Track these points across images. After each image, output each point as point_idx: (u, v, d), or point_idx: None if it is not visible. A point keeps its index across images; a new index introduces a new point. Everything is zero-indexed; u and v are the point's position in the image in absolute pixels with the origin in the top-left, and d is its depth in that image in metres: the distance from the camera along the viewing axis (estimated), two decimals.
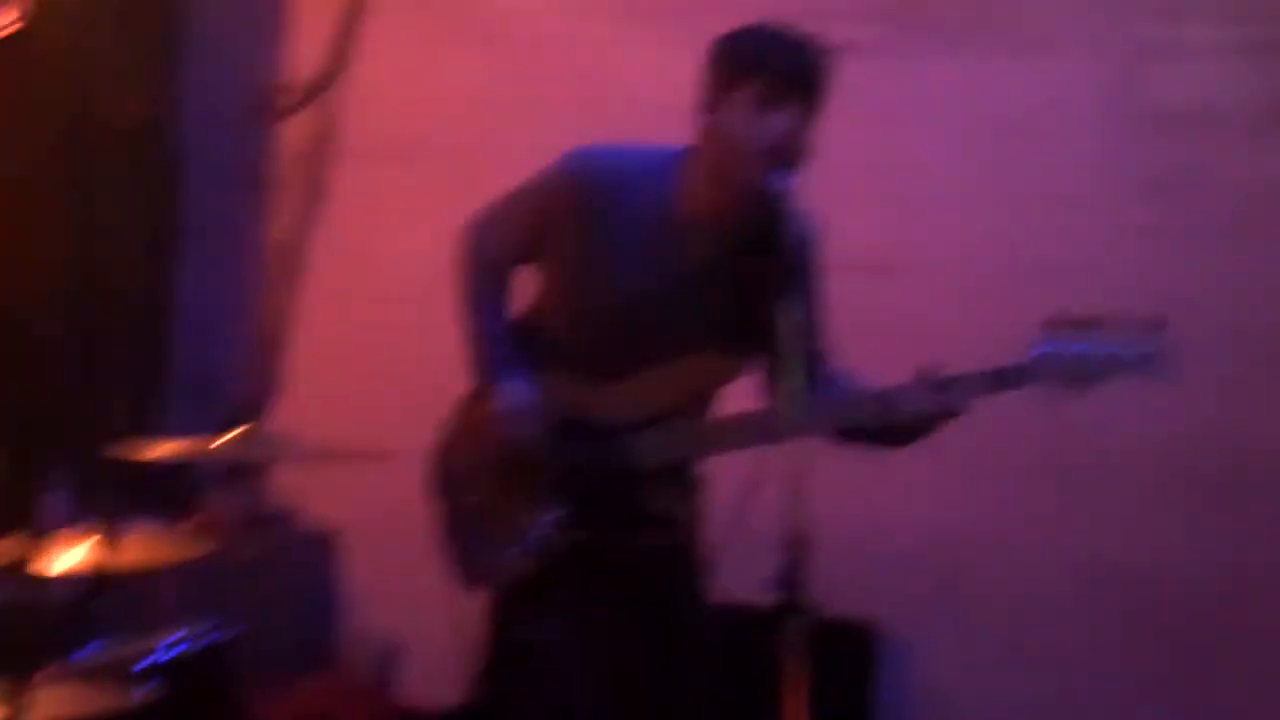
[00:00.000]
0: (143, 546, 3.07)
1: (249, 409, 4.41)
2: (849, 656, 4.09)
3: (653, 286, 2.84)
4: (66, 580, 2.97)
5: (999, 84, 4.22)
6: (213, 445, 3.18)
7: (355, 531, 4.67)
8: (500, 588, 2.96)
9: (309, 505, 4.61)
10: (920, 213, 4.24)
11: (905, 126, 4.28)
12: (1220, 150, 4.05)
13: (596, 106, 4.36)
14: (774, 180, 2.71)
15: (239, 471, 4.35)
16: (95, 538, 3.02)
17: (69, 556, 2.98)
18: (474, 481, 2.99)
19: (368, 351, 4.74)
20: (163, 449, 3.16)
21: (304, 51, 4.90)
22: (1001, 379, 2.70)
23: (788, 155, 2.72)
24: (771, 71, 2.70)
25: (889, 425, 2.75)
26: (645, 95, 4.30)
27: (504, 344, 2.99)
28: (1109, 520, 4.11)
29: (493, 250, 3.02)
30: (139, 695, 2.95)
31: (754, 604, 2.43)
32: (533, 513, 2.90)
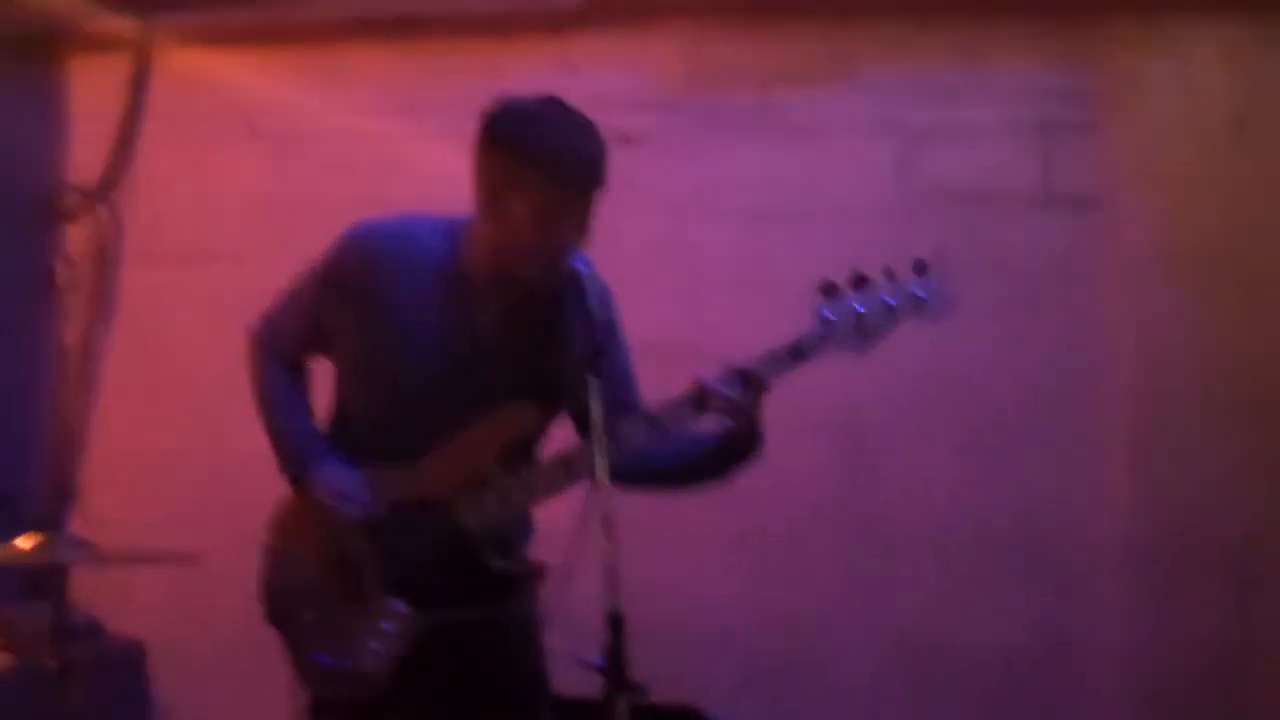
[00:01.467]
0: None
1: (46, 516, 4.27)
2: None
3: (447, 352, 2.82)
4: None
5: (782, 170, 4.33)
6: (9, 553, 3.11)
7: (163, 641, 4.54)
8: (359, 695, 2.85)
9: (114, 615, 4.47)
10: (704, 297, 4.33)
11: (689, 213, 4.37)
12: (998, 227, 4.19)
13: (383, 203, 4.34)
14: (546, 275, 2.74)
15: (40, 580, 4.20)
16: None
17: None
18: (308, 593, 2.89)
19: (164, 454, 4.69)
20: None
21: (85, 153, 4.83)
22: (796, 351, 2.76)
23: (569, 251, 2.71)
24: (554, 181, 2.67)
25: (715, 447, 2.81)
26: (431, 189, 4.35)
27: (307, 435, 2.95)
28: (916, 591, 4.18)
29: (283, 342, 2.98)
30: None
31: (580, 695, 2.44)
32: (375, 614, 2.83)
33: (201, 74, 4.76)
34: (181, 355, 4.74)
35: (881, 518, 4.21)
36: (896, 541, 4.21)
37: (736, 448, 2.84)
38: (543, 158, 2.66)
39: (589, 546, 2.50)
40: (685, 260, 4.36)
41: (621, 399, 2.88)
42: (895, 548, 4.21)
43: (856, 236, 4.17)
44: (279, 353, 2.99)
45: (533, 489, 2.84)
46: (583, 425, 2.90)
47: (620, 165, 3.95)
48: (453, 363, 2.83)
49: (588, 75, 4.37)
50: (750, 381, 2.74)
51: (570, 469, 2.80)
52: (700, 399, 2.74)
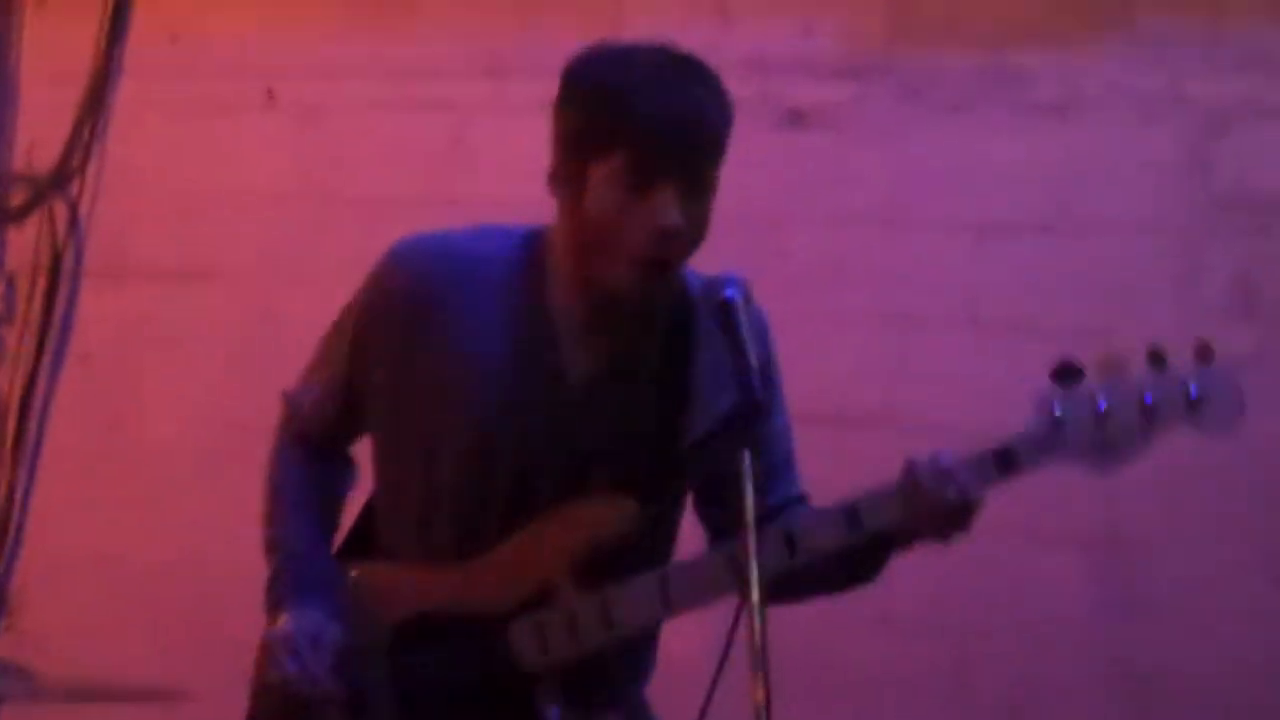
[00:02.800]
0: None
1: None
2: None
3: (518, 412, 2.81)
4: None
5: (1022, 164, 4.37)
6: None
7: None
8: None
9: None
10: (908, 340, 4.39)
11: (888, 222, 4.43)
12: None
13: (445, 203, 4.48)
14: (646, 283, 2.71)
15: None
16: None
17: None
18: None
19: (127, 556, 4.78)
20: None
21: (37, 131, 4.99)
22: (1005, 458, 2.74)
23: (666, 252, 2.70)
24: (640, 137, 2.65)
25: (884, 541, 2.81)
26: (514, 184, 4.46)
27: (306, 558, 2.98)
28: None
29: (307, 418, 3.02)
30: None
31: None
32: None
33: (199, 22, 4.91)
34: (158, 414, 4.86)
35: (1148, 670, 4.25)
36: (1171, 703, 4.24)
37: (900, 549, 2.85)
38: (628, 112, 2.66)
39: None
40: (882, 289, 4.41)
41: (772, 472, 2.88)
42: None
43: (1127, 260, 4.22)
44: (304, 435, 3.03)
45: (613, 619, 2.82)
46: (711, 515, 2.92)
47: (789, 153, 4.07)
48: (524, 427, 2.82)
49: (746, 28, 4.44)
50: (951, 491, 2.73)
51: (669, 599, 2.79)
52: (920, 496, 2.74)
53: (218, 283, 4.86)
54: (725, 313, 2.65)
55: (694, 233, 2.71)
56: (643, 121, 2.65)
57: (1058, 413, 2.73)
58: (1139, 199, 4.28)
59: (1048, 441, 2.73)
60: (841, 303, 4.37)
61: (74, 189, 4.98)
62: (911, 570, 4.20)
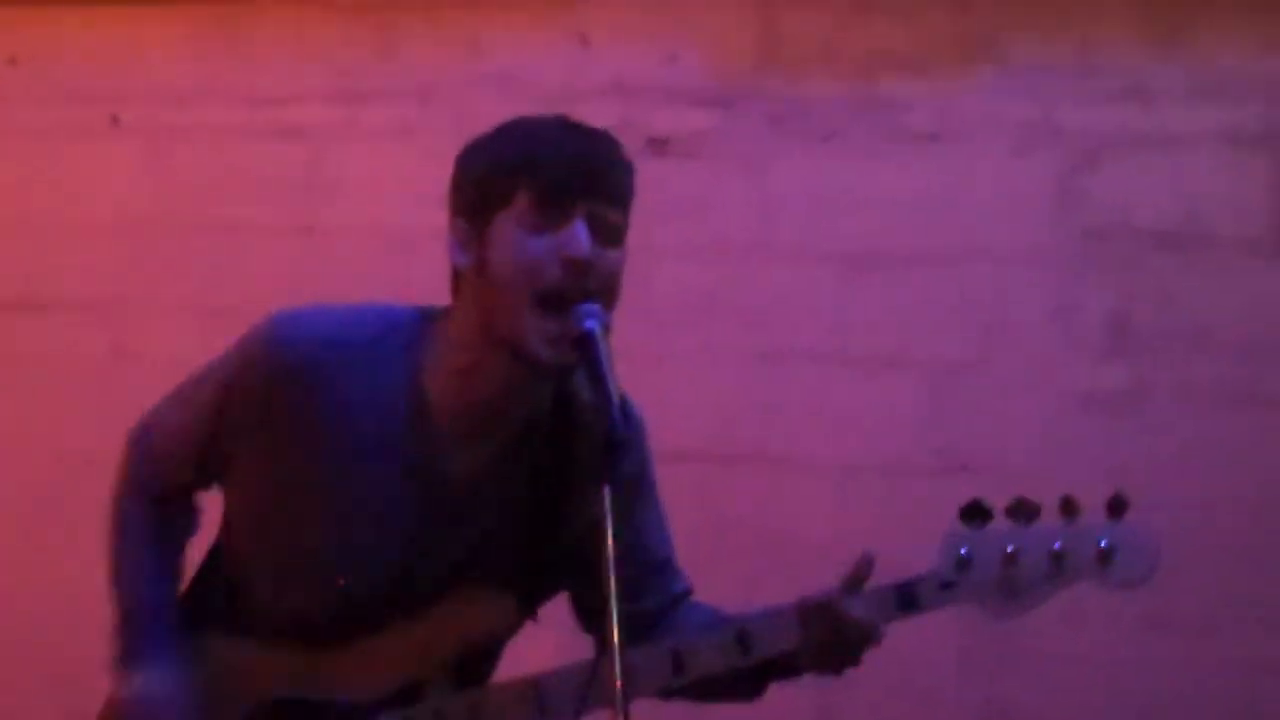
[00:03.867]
0: None
1: None
2: None
3: (396, 513, 2.77)
4: None
5: (892, 194, 4.37)
6: None
7: None
8: None
9: None
10: (775, 378, 4.38)
11: (755, 254, 4.41)
12: (1207, 281, 4.25)
13: (305, 230, 4.48)
14: (553, 326, 2.60)
15: None
16: None
17: None
18: None
19: None
20: None
21: None
22: (907, 597, 2.72)
23: (576, 285, 2.61)
24: (542, 173, 2.63)
25: (766, 667, 2.77)
26: (373, 211, 4.43)
27: (153, 612, 2.92)
28: None
29: (159, 465, 2.94)
30: None
31: None
32: None
33: (42, 42, 4.83)
34: (6, 456, 4.77)
35: None
36: None
37: (787, 676, 2.81)
38: (525, 148, 2.67)
39: None
40: (748, 324, 4.39)
41: (651, 584, 2.85)
42: None
43: (999, 292, 4.23)
44: (155, 478, 2.96)
45: None
46: (582, 597, 2.88)
47: (654, 184, 4.00)
48: (404, 527, 2.79)
49: (608, 55, 4.41)
50: (839, 629, 2.71)
51: (544, 708, 2.75)
52: (817, 619, 2.71)
53: (63, 314, 4.78)
54: (583, 345, 2.58)
55: (606, 275, 2.64)
56: (543, 156, 2.63)
57: (964, 552, 2.70)
58: (1011, 230, 4.30)
59: (951, 582, 2.71)
60: (709, 337, 4.36)
61: None
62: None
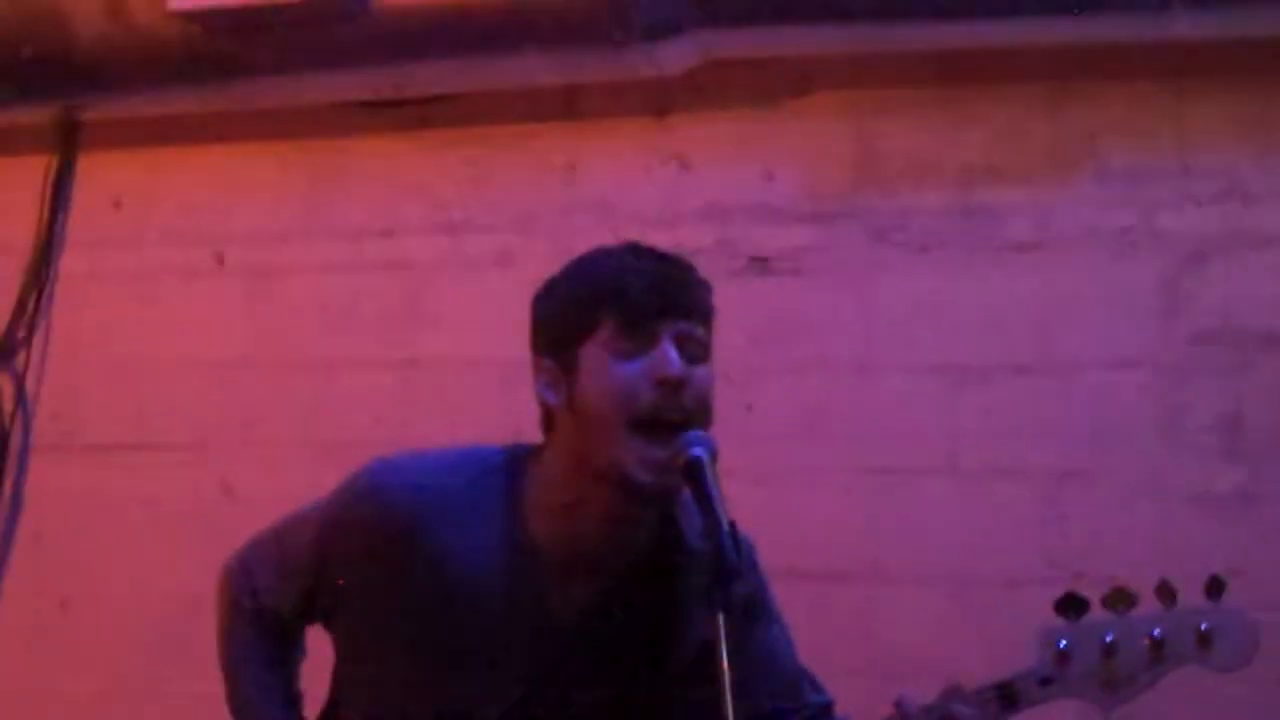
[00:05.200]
0: None
1: None
2: None
3: (507, 656, 2.78)
4: None
5: (995, 305, 4.38)
6: None
7: None
8: None
9: None
10: (881, 496, 4.38)
11: (857, 370, 4.42)
12: None
13: (404, 364, 4.55)
14: (654, 451, 2.63)
15: None
16: None
17: None
18: None
19: None
20: None
21: None
22: (1007, 695, 2.73)
23: (672, 406, 2.64)
24: (625, 297, 2.67)
25: None
26: (477, 341, 4.48)
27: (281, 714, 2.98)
28: None
29: (262, 600, 2.99)
30: None
31: None
32: None
33: (144, 184, 4.95)
34: (112, 589, 4.84)
35: None
36: None
37: None
38: (606, 283, 2.70)
39: None
40: (851, 438, 4.40)
41: (782, 692, 2.87)
42: None
43: (1108, 399, 4.23)
44: (259, 610, 3.00)
45: None
46: None
47: (755, 303, 4.08)
48: (512, 665, 2.79)
49: (703, 174, 4.48)
50: None
51: None
52: None
53: (169, 455, 4.86)
54: (691, 471, 2.61)
55: (699, 392, 2.68)
56: (624, 282, 2.68)
57: (1062, 645, 2.73)
58: (1117, 337, 4.29)
59: (1052, 676, 2.73)
60: (815, 455, 4.36)
61: (19, 362, 4.98)
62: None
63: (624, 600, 2.80)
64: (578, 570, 2.77)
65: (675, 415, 2.65)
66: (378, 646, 2.85)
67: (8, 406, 4.98)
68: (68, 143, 4.94)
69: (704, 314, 2.74)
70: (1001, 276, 4.34)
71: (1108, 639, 2.72)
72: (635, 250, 2.76)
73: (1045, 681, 2.74)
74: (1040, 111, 4.36)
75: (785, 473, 4.30)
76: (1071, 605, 2.73)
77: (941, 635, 4.17)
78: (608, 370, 2.65)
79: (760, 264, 4.41)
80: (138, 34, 4.55)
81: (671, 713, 2.81)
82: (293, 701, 3.02)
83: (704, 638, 2.55)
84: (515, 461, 2.81)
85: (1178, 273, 4.23)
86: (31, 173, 4.96)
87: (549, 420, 2.76)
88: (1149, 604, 2.72)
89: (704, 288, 2.76)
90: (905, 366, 4.39)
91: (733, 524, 2.56)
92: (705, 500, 2.58)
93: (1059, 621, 2.74)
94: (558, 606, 2.78)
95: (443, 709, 2.80)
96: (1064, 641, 2.73)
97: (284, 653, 3.04)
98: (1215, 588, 2.72)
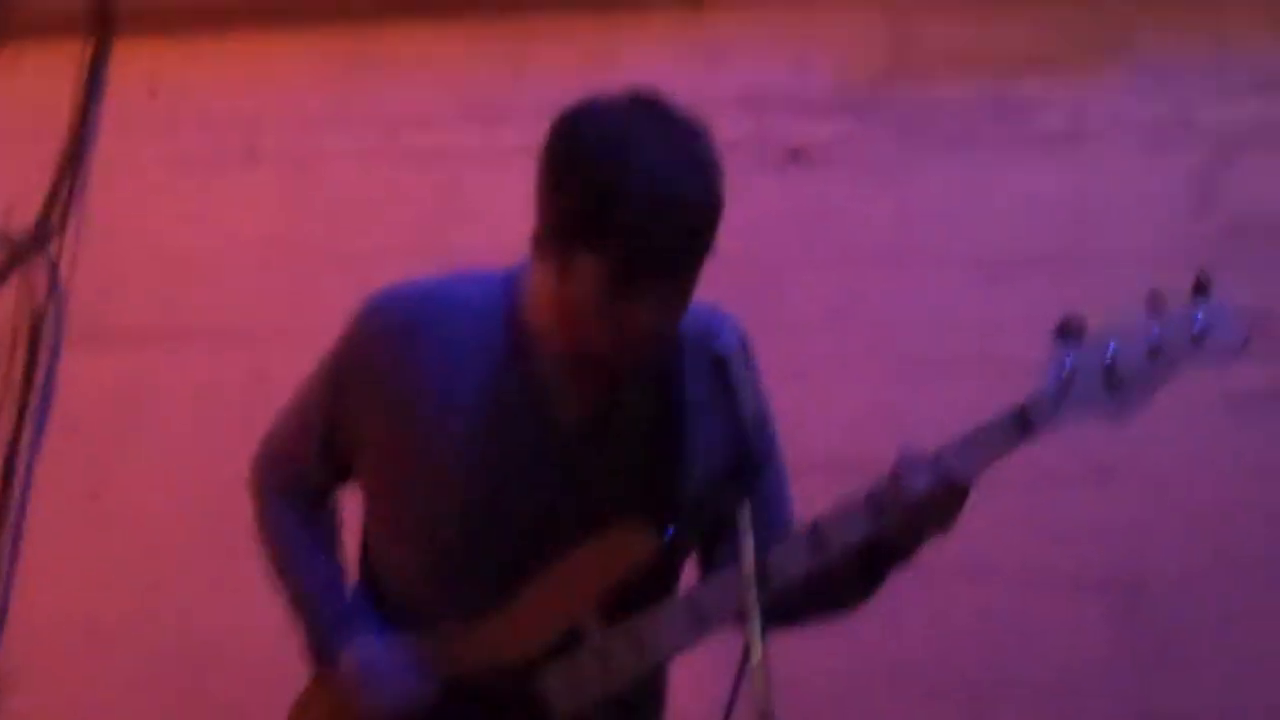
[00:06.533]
0: None
1: None
2: None
3: (514, 457, 2.85)
4: None
5: (1027, 196, 4.45)
6: None
7: None
8: None
9: None
10: (911, 383, 4.45)
11: (889, 261, 4.50)
12: None
13: (438, 254, 4.54)
14: (643, 361, 2.78)
15: None
16: None
17: None
18: None
19: (119, 629, 4.86)
20: None
21: (11, 186, 5.06)
22: (1021, 419, 2.81)
23: (635, 358, 2.77)
24: (633, 248, 2.64)
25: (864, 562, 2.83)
26: (508, 233, 4.53)
27: (333, 597, 3.03)
28: None
29: (292, 470, 3.06)
30: None
31: None
32: None
33: (179, 72, 4.99)
34: (146, 479, 4.93)
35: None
36: None
37: (894, 561, 2.87)
38: (616, 208, 2.63)
39: None
40: (883, 329, 4.47)
41: (770, 526, 2.88)
42: None
43: (1136, 292, 4.25)
44: (289, 485, 3.07)
45: (646, 648, 2.87)
46: (708, 557, 2.98)
47: (788, 193, 4.12)
48: (522, 472, 2.86)
49: (738, 64, 4.52)
50: (946, 473, 2.79)
51: (701, 618, 2.82)
52: (886, 501, 2.79)
53: (204, 342, 4.94)
54: (719, 368, 2.71)
55: (675, 321, 2.75)
56: (633, 223, 2.63)
57: (1068, 364, 2.79)
58: (1149, 230, 4.34)
59: (1061, 395, 2.79)
60: (845, 346, 4.43)
61: (53, 249, 5.04)
62: (923, 621, 4.29)
63: (625, 402, 2.87)
64: (578, 379, 2.84)
65: (641, 358, 2.78)
66: (396, 471, 2.92)
67: (40, 295, 5.04)
68: (103, 27, 4.98)
69: (704, 252, 2.73)
70: (1032, 169, 4.39)
71: (1109, 350, 2.79)
72: (660, 170, 2.65)
73: (1056, 401, 2.80)
74: (1076, 2, 4.39)
75: (811, 362, 4.35)
76: (1070, 329, 2.81)
77: (969, 522, 4.24)
78: (595, 292, 2.68)
79: (793, 155, 4.45)
80: None
81: (678, 522, 2.89)
82: (340, 563, 3.09)
83: (711, 461, 2.77)
84: (512, 281, 2.87)
85: (1210, 165, 4.29)
86: (66, 57, 4.99)
87: (537, 247, 2.78)
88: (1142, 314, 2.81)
89: (714, 219, 2.72)
90: (936, 259, 4.44)
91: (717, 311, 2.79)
92: (730, 398, 2.70)
93: (1060, 346, 2.81)
94: (559, 410, 2.86)
95: (448, 501, 2.88)
96: (1069, 360, 2.80)
97: (320, 520, 3.11)
98: (1202, 285, 2.82)
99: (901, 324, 4.48)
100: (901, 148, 4.50)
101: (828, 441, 4.04)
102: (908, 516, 2.79)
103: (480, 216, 4.68)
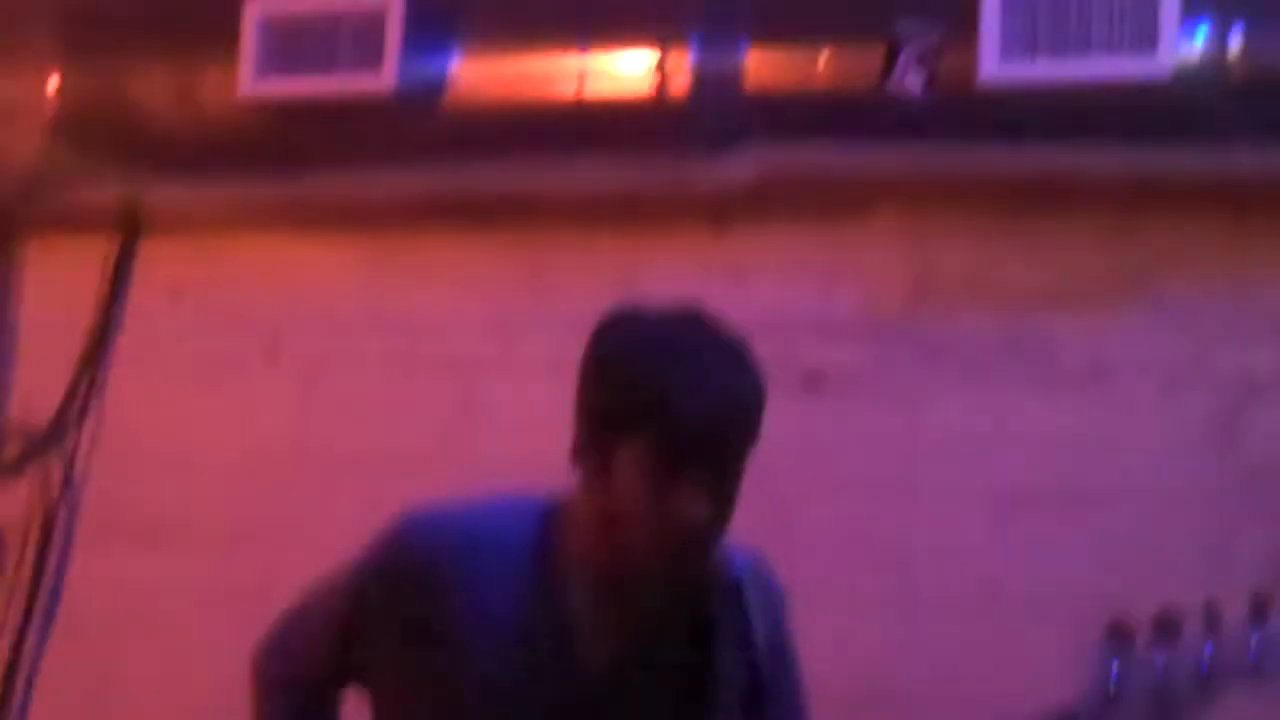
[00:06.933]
0: None
1: None
2: None
3: (538, 697, 2.81)
4: None
5: (1044, 431, 4.39)
6: None
7: None
8: None
9: None
10: (929, 622, 4.41)
11: (907, 492, 4.45)
12: None
13: (454, 463, 4.60)
14: (682, 574, 2.72)
15: None
16: None
17: None
18: None
19: None
20: None
21: (32, 379, 5.09)
22: None
23: (702, 542, 2.70)
24: (674, 429, 2.64)
25: None
26: (527, 445, 4.53)
27: None
28: None
29: (295, 669, 3.05)
30: None
31: None
32: None
33: (204, 270, 5.06)
34: (145, 689, 4.92)
35: None
36: None
37: None
38: (660, 393, 2.64)
39: None
40: (901, 562, 4.42)
41: None
42: None
43: (1156, 533, 4.22)
44: (292, 680, 3.05)
45: None
46: None
47: (806, 419, 4.12)
48: (547, 711, 2.81)
49: (760, 287, 4.54)
50: None
51: None
52: None
53: (215, 544, 4.94)
54: (734, 591, 2.70)
55: (722, 522, 2.71)
56: (676, 412, 2.63)
57: (1114, 674, 2.76)
58: (1167, 470, 4.30)
59: (1107, 705, 2.75)
60: (856, 575, 4.39)
61: (69, 445, 5.05)
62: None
63: (656, 650, 2.83)
64: (608, 622, 2.81)
65: (689, 554, 2.71)
66: (406, 699, 2.88)
67: (54, 489, 5.05)
68: (131, 225, 5.04)
69: (749, 443, 2.74)
70: (1051, 404, 4.37)
71: (1159, 664, 2.75)
72: (702, 363, 2.69)
73: (1101, 710, 2.77)
74: (1098, 240, 4.40)
75: (825, 594, 4.32)
76: (1120, 633, 2.78)
77: None
78: (639, 484, 2.67)
79: (813, 380, 4.45)
80: (207, 119, 4.66)
81: None
82: None
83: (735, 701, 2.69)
84: (549, 510, 2.84)
85: (1230, 408, 4.26)
86: (93, 253, 5.06)
87: (580, 468, 2.77)
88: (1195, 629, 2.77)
89: (757, 413, 2.74)
90: (950, 493, 4.42)
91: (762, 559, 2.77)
92: (743, 623, 2.69)
93: (1108, 648, 2.78)
94: (589, 655, 2.81)
95: None
96: (1115, 669, 2.76)
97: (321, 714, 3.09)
98: (1260, 608, 2.77)
99: (913, 556, 4.43)
100: (920, 376, 4.49)
101: (839, 672, 4.01)
102: None
103: (493, 426, 4.70)
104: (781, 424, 3.73)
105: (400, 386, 4.86)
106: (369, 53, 4.46)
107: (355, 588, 2.93)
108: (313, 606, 3.04)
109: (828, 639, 3.94)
